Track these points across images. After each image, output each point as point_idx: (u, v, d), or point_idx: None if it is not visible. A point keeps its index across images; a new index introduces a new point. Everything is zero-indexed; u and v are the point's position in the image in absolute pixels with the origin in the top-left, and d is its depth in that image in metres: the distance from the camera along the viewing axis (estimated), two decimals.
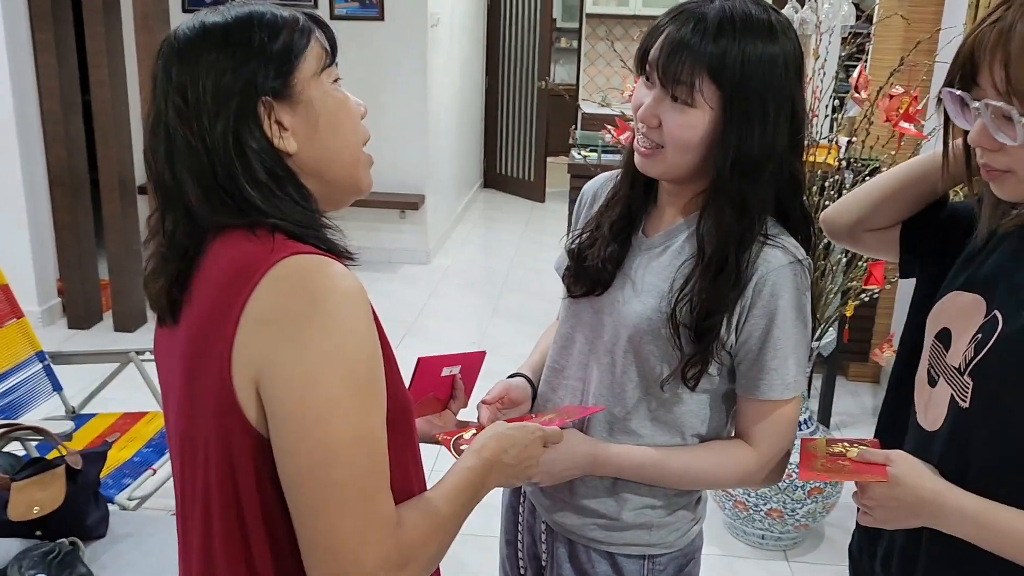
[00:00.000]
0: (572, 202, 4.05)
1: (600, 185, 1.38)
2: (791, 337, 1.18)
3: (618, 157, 4.01)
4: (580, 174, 3.96)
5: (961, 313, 1.07)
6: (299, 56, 0.94)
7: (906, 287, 3.63)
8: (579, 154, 4.11)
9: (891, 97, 2.44)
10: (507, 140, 7.66)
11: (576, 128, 7.40)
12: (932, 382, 1.10)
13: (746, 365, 1.21)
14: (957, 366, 1.04)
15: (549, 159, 7.55)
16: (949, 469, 1.04)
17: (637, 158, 1.21)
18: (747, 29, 1.11)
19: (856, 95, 2.49)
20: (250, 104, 0.91)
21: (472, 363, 1.34)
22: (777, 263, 1.16)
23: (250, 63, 0.91)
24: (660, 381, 1.22)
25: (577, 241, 1.32)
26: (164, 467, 2.41)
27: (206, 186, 0.91)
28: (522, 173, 7.58)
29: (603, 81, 8.18)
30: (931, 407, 1.10)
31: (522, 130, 7.48)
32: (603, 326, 1.27)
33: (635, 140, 1.21)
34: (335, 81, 0.99)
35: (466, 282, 5.41)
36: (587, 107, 7.36)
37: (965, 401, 1.03)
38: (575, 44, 8.26)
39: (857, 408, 3.72)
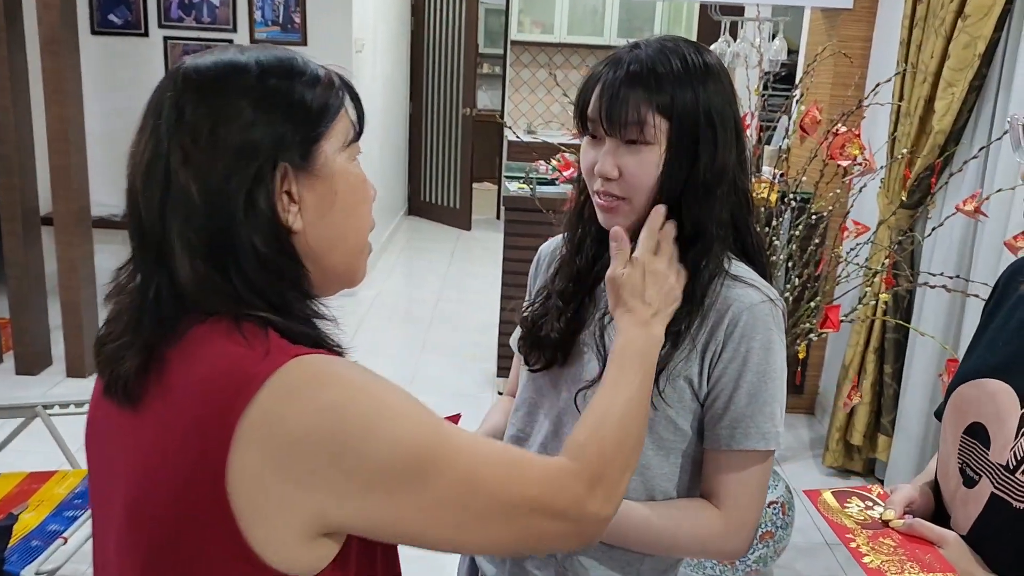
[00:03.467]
0: (506, 235, 3.95)
1: (556, 247, 1.31)
2: (765, 381, 1.10)
3: (554, 189, 3.96)
4: (515, 207, 3.87)
5: (990, 404, 1.01)
6: (331, 121, 0.82)
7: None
8: (513, 186, 4.02)
9: (836, 135, 2.43)
10: (432, 166, 7.55)
11: (503, 156, 7.34)
12: (970, 482, 1.03)
13: (715, 412, 1.12)
14: (1005, 464, 0.97)
15: (475, 185, 7.47)
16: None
17: (601, 215, 1.15)
18: (684, 59, 1.09)
19: (803, 133, 2.47)
20: (269, 166, 0.78)
21: None
22: (749, 302, 1.10)
23: (283, 118, 0.79)
24: None
25: (530, 310, 1.25)
26: (76, 535, 2.19)
27: (197, 249, 0.77)
28: (447, 200, 7.47)
29: (528, 108, 8.16)
30: (962, 508, 1.03)
31: (447, 156, 7.38)
32: (567, 400, 1.19)
33: (594, 197, 1.15)
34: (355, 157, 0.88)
35: (393, 315, 5.25)
36: (513, 134, 7.32)
37: (1021, 502, 0.95)
38: (499, 70, 8.23)
39: (795, 441, 3.71)
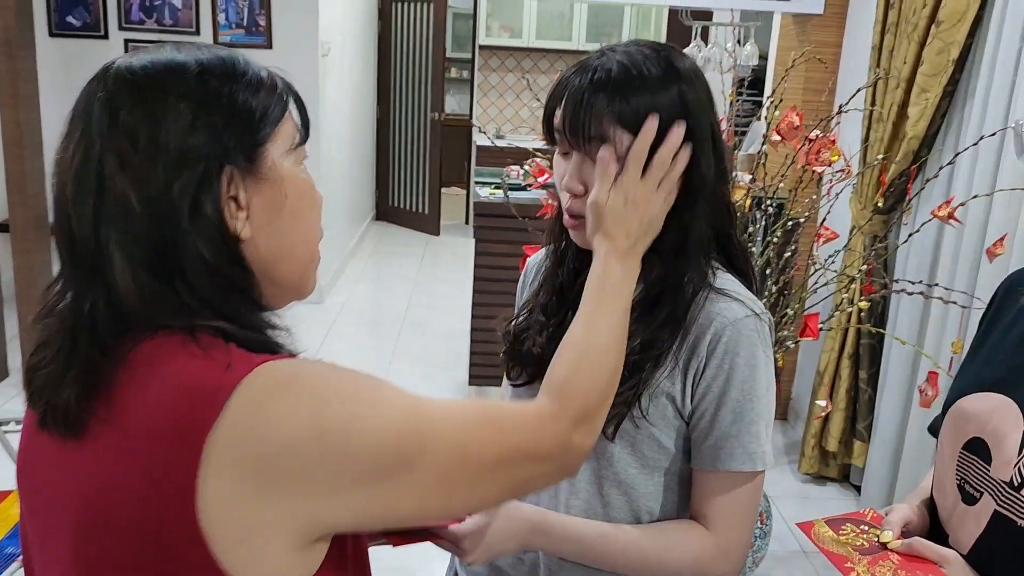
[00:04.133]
0: (477, 241, 3.89)
1: (543, 259, 1.27)
2: (750, 399, 1.06)
3: (526, 195, 3.91)
4: (485, 212, 3.81)
5: (991, 419, 0.97)
6: (275, 124, 0.78)
7: None
8: (483, 191, 3.97)
9: (811, 141, 2.41)
10: (400, 171, 7.48)
11: (472, 161, 7.28)
12: (970, 499, 0.99)
13: (700, 431, 1.08)
14: (1008, 480, 0.94)
15: (443, 190, 7.41)
16: None
17: (571, 232, 1.11)
18: (652, 66, 1.02)
19: (775, 138, 2.45)
20: (214, 171, 0.73)
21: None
22: (733, 316, 1.06)
23: (225, 122, 0.74)
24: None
25: (514, 323, 1.22)
26: None
27: (139, 260, 0.72)
28: (416, 205, 7.40)
29: (496, 113, 8.12)
30: (962, 526, 1.00)
31: (415, 161, 7.31)
32: None
33: (564, 214, 1.11)
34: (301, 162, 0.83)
35: (363, 321, 5.18)
36: (481, 139, 7.27)
37: None
38: (467, 75, 8.18)
39: None
